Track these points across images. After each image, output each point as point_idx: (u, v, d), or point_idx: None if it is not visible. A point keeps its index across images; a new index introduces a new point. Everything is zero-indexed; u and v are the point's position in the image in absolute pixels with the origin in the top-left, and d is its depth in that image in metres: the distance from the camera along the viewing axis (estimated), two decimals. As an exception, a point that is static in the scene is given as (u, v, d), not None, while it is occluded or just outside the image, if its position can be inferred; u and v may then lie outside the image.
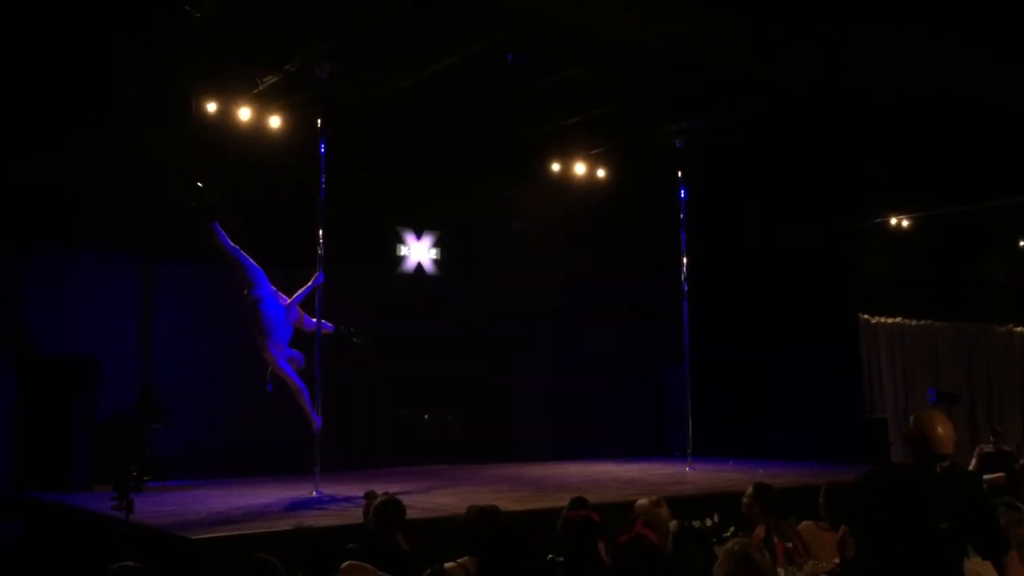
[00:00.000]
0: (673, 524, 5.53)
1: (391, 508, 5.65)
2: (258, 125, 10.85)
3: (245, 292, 9.51)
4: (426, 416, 9.46)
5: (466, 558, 4.79)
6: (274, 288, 9.63)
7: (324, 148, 9.95)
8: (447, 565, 4.73)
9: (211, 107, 10.53)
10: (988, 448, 11.57)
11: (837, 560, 5.10)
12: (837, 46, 9.43)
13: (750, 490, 5.98)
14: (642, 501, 5.69)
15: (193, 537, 6.65)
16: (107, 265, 11.30)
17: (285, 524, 7.55)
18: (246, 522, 7.59)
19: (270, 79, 10.28)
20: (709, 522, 5.69)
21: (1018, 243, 16.73)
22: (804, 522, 6.06)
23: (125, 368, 11.03)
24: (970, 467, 11.25)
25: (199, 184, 9.18)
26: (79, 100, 10.33)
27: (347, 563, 4.65)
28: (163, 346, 11.43)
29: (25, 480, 9.97)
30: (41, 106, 10.33)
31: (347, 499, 8.69)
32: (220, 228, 9.38)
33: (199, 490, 9.81)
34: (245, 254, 9.49)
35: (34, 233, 10.64)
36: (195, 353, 11.54)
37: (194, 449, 11.03)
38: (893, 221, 15.03)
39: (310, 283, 9.74)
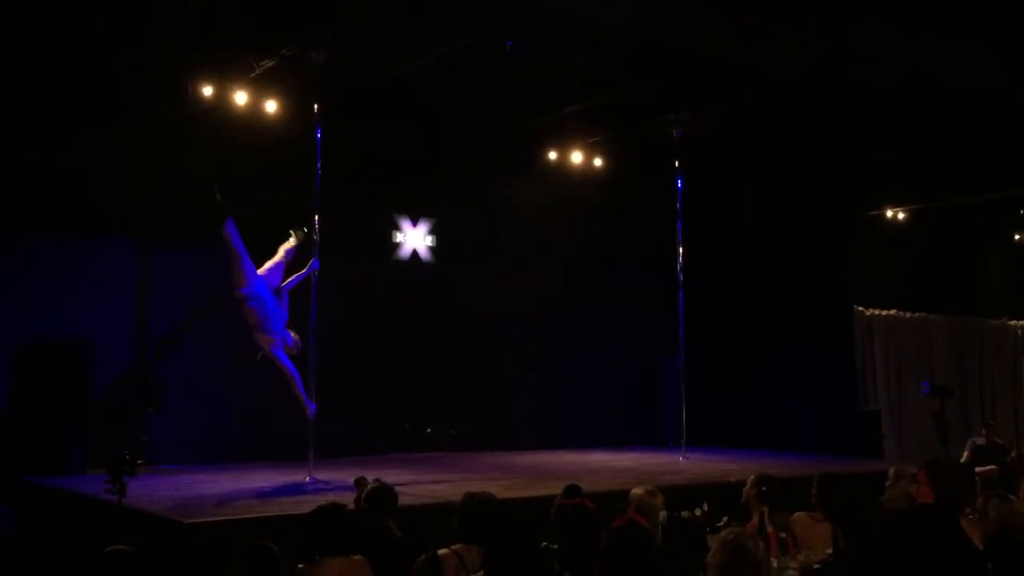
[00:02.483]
0: (662, 515, 5.54)
1: (383, 495, 5.64)
2: (254, 110, 10.80)
3: (234, 290, 9.38)
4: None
5: (460, 544, 4.79)
6: (263, 276, 9.52)
7: (320, 134, 9.93)
8: (440, 552, 4.73)
9: (207, 91, 10.47)
10: (980, 441, 11.60)
11: (829, 551, 5.11)
12: (834, 36, 9.41)
13: (752, 479, 5.99)
14: (637, 490, 5.70)
15: (186, 521, 6.65)
16: (104, 251, 11.26)
17: (278, 509, 7.57)
18: (239, 507, 7.59)
19: (267, 63, 10.23)
20: (698, 511, 5.70)
21: (1013, 237, 16.75)
22: (797, 513, 6.07)
23: (121, 353, 10.99)
24: (962, 459, 11.28)
25: (217, 193, 9.03)
26: (76, 86, 10.27)
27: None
28: (159, 331, 11.39)
29: (19, 464, 9.95)
30: (38, 93, 10.27)
31: (341, 485, 8.68)
32: (234, 225, 9.25)
33: (192, 475, 9.80)
34: (246, 252, 9.35)
35: (31, 219, 10.58)
36: (190, 339, 11.50)
37: (188, 434, 11.02)
38: (889, 214, 15.04)
39: (305, 270, 9.72)
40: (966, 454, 11.44)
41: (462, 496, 5.18)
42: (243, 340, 11.61)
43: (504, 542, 4.23)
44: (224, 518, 6.89)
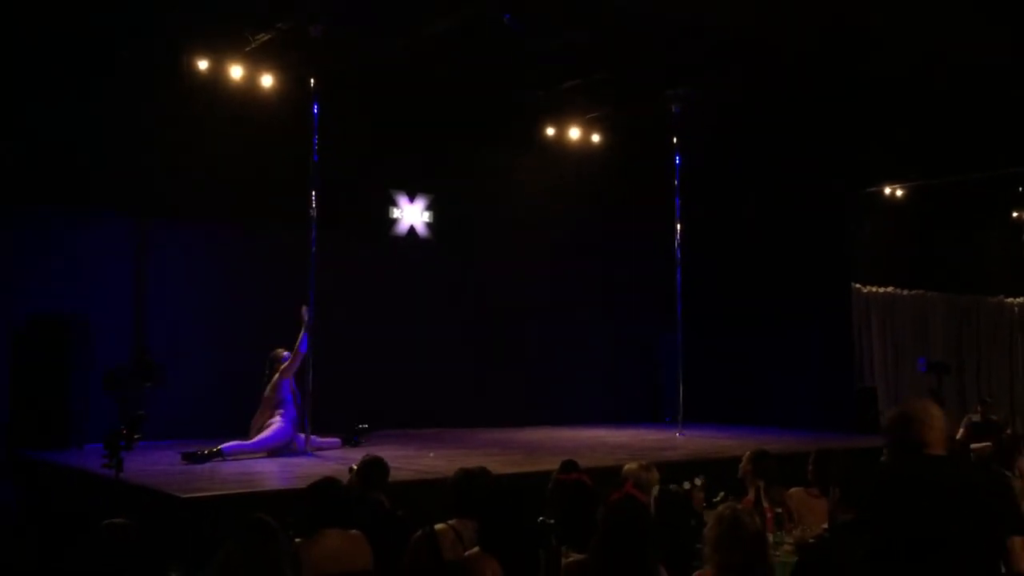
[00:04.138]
0: (655, 489, 5.56)
1: (375, 468, 5.64)
2: (250, 84, 10.73)
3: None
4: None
5: (455, 520, 4.80)
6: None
7: (317, 109, 9.87)
8: (437, 526, 4.74)
9: (202, 65, 10.39)
10: (976, 418, 11.64)
11: (825, 526, 5.12)
12: (835, 10, 9.34)
13: (747, 455, 6.00)
14: (631, 465, 5.71)
15: (182, 496, 6.66)
16: (100, 227, 11.19)
17: (275, 484, 7.59)
18: (234, 482, 7.60)
19: (262, 37, 10.15)
20: (687, 485, 5.71)
21: (1011, 214, 16.71)
22: (793, 489, 6.10)
23: (119, 329, 10.97)
24: (958, 436, 11.32)
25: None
26: (72, 60, 10.19)
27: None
28: (157, 307, 11.38)
29: (19, 439, 9.96)
30: (34, 67, 10.19)
31: (338, 459, 8.70)
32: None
33: (190, 450, 9.80)
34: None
35: (28, 195, 10.52)
36: (189, 314, 11.50)
37: (186, 409, 11.02)
38: (887, 190, 15.00)
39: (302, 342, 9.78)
40: (962, 431, 11.47)
41: (455, 471, 5.19)
42: (243, 316, 11.66)
43: (499, 516, 4.24)
44: (220, 493, 6.90)
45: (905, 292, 15.79)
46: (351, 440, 10.39)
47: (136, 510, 5.98)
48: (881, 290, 15.45)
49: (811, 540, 4.98)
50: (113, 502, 6.00)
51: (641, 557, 3.87)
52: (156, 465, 8.35)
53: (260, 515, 3.60)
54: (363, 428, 10.65)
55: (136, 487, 7.01)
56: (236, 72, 10.52)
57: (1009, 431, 11.34)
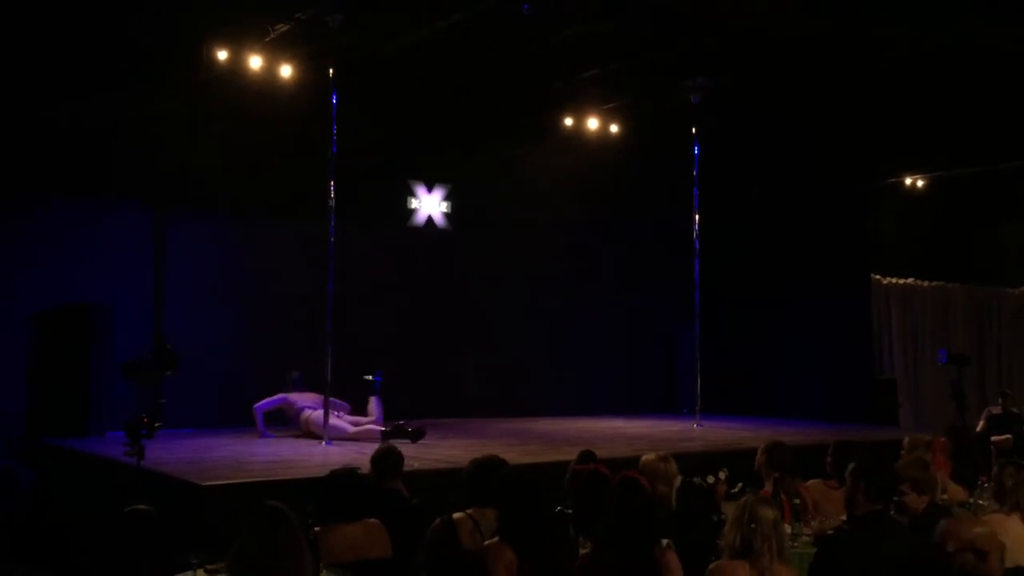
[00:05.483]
0: (677, 480, 5.56)
1: (389, 457, 5.68)
2: (269, 75, 10.74)
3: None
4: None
5: (473, 509, 4.82)
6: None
7: (336, 99, 9.89)
8: (455, 515, 4.76)
9: (221, 55, 10.42)
10: (996, 410, 11.57)
11: (844, 518, 5.11)
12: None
13: (762, 447, 6.00)
14: (648, 456, 5.72)
15: (203, 484, 6.72)
16: (121, 217, 11.27)
17: (294, 473, 7.63)
18: (255, 470, 7.66)
19: (282, 27, 10.15)
20: (712, 479, 5.72)
21: (1032, 205, 16.57)
22: (812, 480, 6.09)
23: (138, 318, 11.04)
24: (977, 428, 11.25)
25: None
26: (92, 50, 10.23)
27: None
28: (176, 297, 11.45)
29: (40, 427, 10.06)
30: (54, 56, 10.24)
31: (357, 449, 8.75)
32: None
33: (210, 438, 9.89)
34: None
35: (48, 184, 10.60)
36: (208, 304, 11.57)
37: (203, 398, 11.09)
38: (907, 181, 14.91)
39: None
40: (981, 423, 11.42)
41: (470, 462, 5.20)
42: (262, 305, 11.73)
43: (517, 506, 4.25)
44: (240, 481, 6.96)
45: (925, 283, 15.70)
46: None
47: (158, 497, 6.03)
48: (901, 281, 15.37)
49: (829, 532, 4.98)
50: (136, 489, 6.05)
51: (643, 536, 3.89)
52: (177, 453, 8.41)
53: (270, 501, 3.61)
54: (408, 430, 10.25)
55: (158, 474, 7.07)
56: (255, 62, 10.52)
57: (1030, 424, 11.27)
